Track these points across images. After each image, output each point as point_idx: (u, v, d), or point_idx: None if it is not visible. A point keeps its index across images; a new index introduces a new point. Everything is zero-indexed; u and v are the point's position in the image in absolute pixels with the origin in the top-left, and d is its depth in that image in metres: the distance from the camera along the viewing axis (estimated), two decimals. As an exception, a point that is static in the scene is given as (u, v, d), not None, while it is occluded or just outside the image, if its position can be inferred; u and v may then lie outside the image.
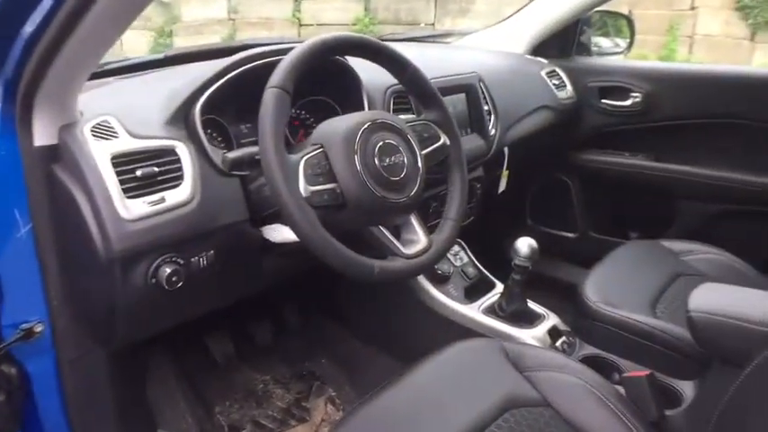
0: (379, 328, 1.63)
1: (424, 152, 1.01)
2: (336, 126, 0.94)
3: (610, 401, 1.02)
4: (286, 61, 0.89)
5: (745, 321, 0.98)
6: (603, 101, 1.87)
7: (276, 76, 0.87)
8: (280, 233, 1.00)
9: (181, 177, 0.90)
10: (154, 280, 0.88)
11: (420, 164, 0.99)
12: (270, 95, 0.86)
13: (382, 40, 1.04)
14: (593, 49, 1.97)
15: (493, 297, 1.42)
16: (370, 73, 1.19)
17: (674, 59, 5.40)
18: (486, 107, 1.50)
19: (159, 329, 1.04)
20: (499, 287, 1.47)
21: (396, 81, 1.09)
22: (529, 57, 1.85)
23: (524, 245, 1.30)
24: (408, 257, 0.96)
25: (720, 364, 1.05)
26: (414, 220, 1.01)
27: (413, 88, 1.09)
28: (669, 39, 5.63)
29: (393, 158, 0.94)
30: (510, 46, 1.89)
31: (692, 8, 5.67)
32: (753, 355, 0.89)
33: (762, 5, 5.47)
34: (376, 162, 0.91)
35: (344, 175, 0.89)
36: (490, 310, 1.38)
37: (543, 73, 1.80)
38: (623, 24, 1.99)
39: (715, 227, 1.76)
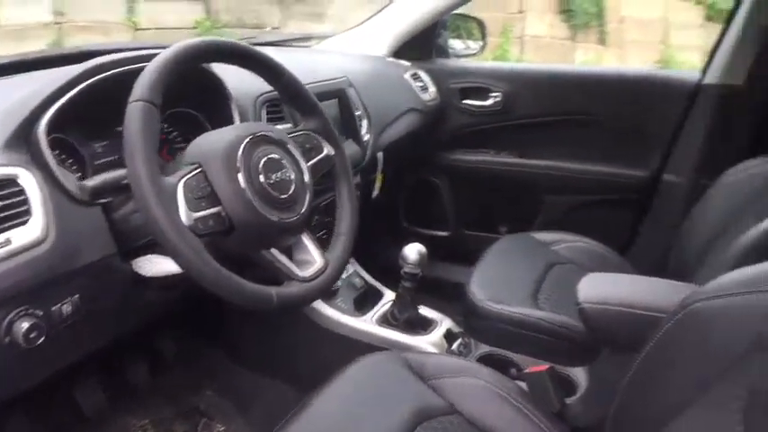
0: (267, 351, 1.53)
1: (308, 164, 0.95)
2: (214, 142, 0.84)
3: (513, 399, 1.03)
4: (150, 70, 0.78)
5: (636, 308, 1.03)
6: (465, 101, 1.92)
7: (141, 88, 0.76)
8: (156, 265, 0.88)
9: (28, 212, 0.75)
10: (8, 338, 0.72)
11: (307, 178, 0.93)
12: (136, 110, 0.74)
13: None
14: (450, 51, 2.02)
15: (383, 307, 1.39)
16: (236, 80, 1.09)
17: (507, 59, 5.79)
18: (357, 112, 1.47)
19: (19, 391, 0.87)
20: (388, 295, 1.45)
21: (266, 89, 1.02)
22: (391, 59, 1.85)
23: (413, 251, 1.28)
24: (306, 280, 0.89)
25: (612, 350, 1.11)
26: (306, 239, 0.94)
27: (289, 96, 1.02)
28: (503, 40, 6.03)
29: (279, 174, 0.87)
30: (371, 49, 1.87)
31: (521, 11, 6.13)
32: (646, 339, 0.94)
33: (579, 9, 6.07)
34: (261, 180, 0.84)
35: (229, 196, 0.80)
36: (383, 320, 1.35)
37: (407, 75, 1.81)
38: (474, 27, 2.06)
39: (577, 216, 1.88)
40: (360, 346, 1.31)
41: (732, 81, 1.60)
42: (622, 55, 6.36)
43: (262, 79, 0.98)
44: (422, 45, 1.90)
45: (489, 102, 1.89)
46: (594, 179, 1.84)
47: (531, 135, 1.89)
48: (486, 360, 1.30)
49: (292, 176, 0.89)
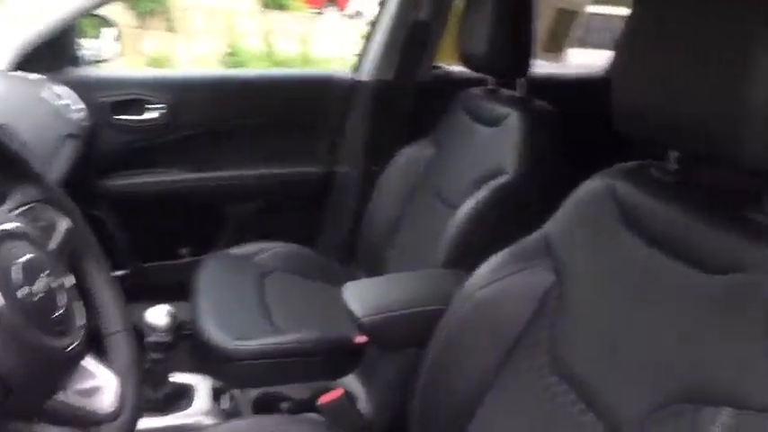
0: None
1: (50, 249, 0.67)
2: None
3: None
4: None
5: (415, 306, 1.09)
6: (119, 117, 1.64)
7: None
8: None
9: None
10: None
11: (65, 275, 0.66)
12: None
13: None
14: (83, 57, 1.67)
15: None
16: None
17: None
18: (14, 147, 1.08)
19: None
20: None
21: None
22: (18, 73, 1.42)
23: (160, 316, 1.05)
24: (114, 415, 0.65)
25: (390, 351, 1.15)
26: (86, 359, 0.67)
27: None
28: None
29: (40, 283, 0.59)
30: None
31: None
32: (430, 332, 1.01)
33: (144, -5, 5.79)
34: (21, 296, 0.56)
35: None
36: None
37: (45, 94, 1.42)
38: (101, 27, 1.75)
39: (265, 221, 1.85)
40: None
41: (383, 76, 1.79)
42: (191, 42, 6.38)
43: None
44: (54, 53, 1.52)
45: (149, 115, 1.65)
46: (275, 181, 1.83)
47: (202, 146, 1.75)
48: (260, 403, 1.19)
49: (53, 277, 0.62)
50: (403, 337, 1.10)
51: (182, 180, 1.74)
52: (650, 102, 0.76)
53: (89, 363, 0.67)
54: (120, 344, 0.74)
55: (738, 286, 0.68)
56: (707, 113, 0.67)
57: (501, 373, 0.94)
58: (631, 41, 0.78)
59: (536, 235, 1.00)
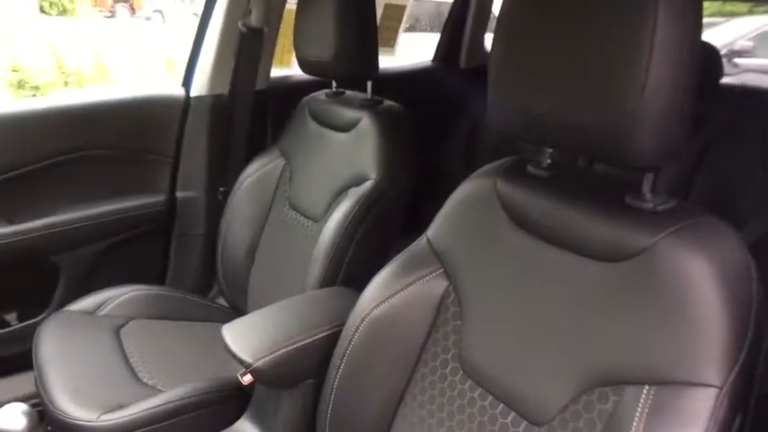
0: None
1: None
2: None
3: None
4: None
5: (305, 337, 1.03)
6: None
7: None
8: None
9: None
10: None
11: None
12: None
13: None
14: None
15: None
16: None
17: None
18: None
19: None
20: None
21: None
22: None
23: (15, 418, 0.86)
24: None
25: (276, 389, 1.08)
26: None
27: None
28: None
29: None
30: None
31: None
32: (326, 359, 0.97)
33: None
34: None
35: None
36: None
37: None
38: None
39: (106, 264, 1.62)
40: None
41: (218, 91, 1.66)
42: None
43: None
44: None
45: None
46: (114, 219, 1.61)
47: (19, 191, 1.48)
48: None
49: None
50: (299, 370, 1.04)
51: None
52: (525, 105, 0.77)
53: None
54: None
55: (633, 272, 0.72)
56: (586, 118, 0.70)
57: (411, 387, 0.93)
58: (503, 42, 0.78)
59: (420, 242, 0.99)
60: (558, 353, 0.78)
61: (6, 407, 0.86)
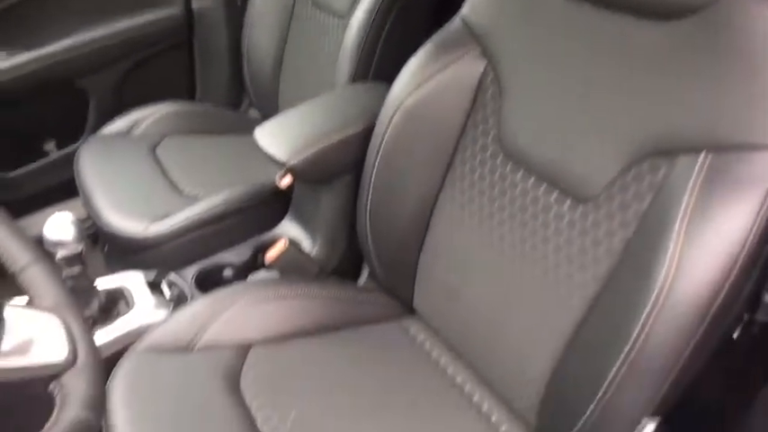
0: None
1: None
2: None
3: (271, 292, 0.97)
4: None
5: (339, 132, 1.01)
6: None
7: None
8: None
9: None
10: None
11: None
12: None
13: None
14: None
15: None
16: None
17: None
18: None
19: None
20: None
21: None
22: None
23: (63, 226, 0.88)
24: (70, 358, 0.54)
25: (314, 188, 1.08)
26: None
27: None
28: None
29: None
30: None
31: None
32: (361, 155, 0.95)
33: None
34: None
35: None
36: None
37: None
38: None
39: (133, 87, 1.59)
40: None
41: None
42: None
43: None
44: None
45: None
46: (132, 36, 1.54)
47: (30, 15, 1.39)
48: (202, 279, 1.10)
49: None
50: (335, 167, 1.03)
51: (16, 65, 1.41)
52: None
53: (9, 313, 0.54)
54: (36, 277, 0.60)
55: (696, 27, 0.63)
56: None
57: (450, 174, 0.91)
58: None
59: (453, 23, 0.91)
60: (607, 125, 0.72)
61: (53, 216, 0.88)
